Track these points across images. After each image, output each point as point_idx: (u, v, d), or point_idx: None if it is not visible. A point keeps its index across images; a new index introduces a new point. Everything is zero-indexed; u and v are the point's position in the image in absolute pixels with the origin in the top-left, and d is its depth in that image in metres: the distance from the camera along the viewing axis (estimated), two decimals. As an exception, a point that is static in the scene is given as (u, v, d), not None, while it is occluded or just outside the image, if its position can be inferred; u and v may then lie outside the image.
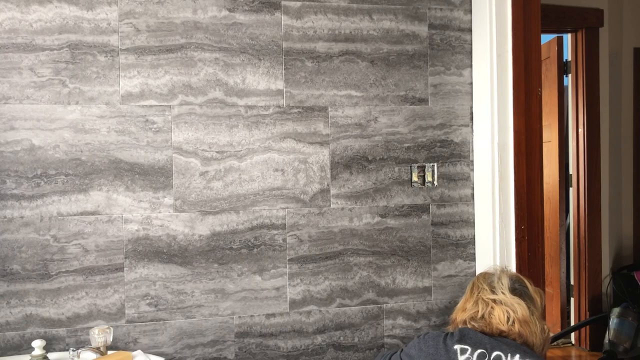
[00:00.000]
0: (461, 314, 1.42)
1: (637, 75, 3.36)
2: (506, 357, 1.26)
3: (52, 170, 1.81)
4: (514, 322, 1.32)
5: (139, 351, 1.74)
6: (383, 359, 1.49)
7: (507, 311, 1.33)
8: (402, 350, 1.44)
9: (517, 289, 1.39)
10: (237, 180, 1.94)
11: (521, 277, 1.46)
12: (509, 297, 1.36)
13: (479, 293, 1.41)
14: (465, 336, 1.33)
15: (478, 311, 1.37)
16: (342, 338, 2.03)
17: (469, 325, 1.38)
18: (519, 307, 1.34)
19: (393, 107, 2.06)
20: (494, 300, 1.36)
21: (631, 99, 3.37)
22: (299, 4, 1.98)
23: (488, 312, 1.35)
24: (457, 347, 1.32)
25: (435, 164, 2.10)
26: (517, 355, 1.26)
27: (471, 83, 2.12)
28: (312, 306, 2.00)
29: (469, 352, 1.30)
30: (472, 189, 2.13)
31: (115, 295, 1.85)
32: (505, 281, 1.40)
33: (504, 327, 1.32)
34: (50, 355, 1.70)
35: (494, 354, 1.27)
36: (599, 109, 3.29)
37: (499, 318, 1.33)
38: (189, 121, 1.90)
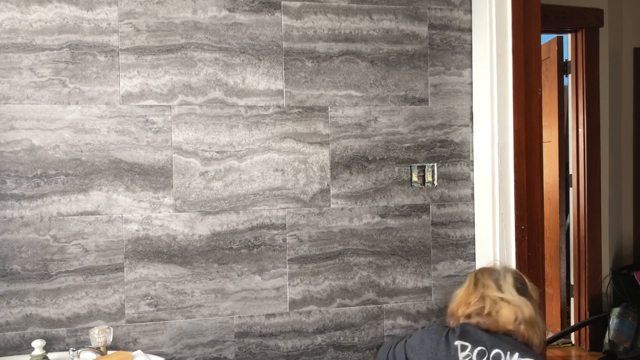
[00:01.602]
0: (464, 308, 1.41)
1: (637, 75, 3.36)
2: (505, 355, 1.26)
3: (52, 170, 1.81)
4: (520, 322, 1.32)
5: (139, 351, 1.75)
6: (388, 349, 1.48)
7: (515, 311, 1.33)
8: (405, 340, 1.44)
9: (519, 289, 1.39)
10: (237, 180, 1.94)
11: (521, 274, 1.46)
12: (516, 297, 1.36)
13: (484, 289, 1.40)
14: (466, 333, 1.33)
15: (484, 307, 1.36)
16: (342, 338, 2.03)
17: (472, 320, 1.37)
18: (527, 308, 1.33)
19: (393, 107, 2.06)
20: (502, 299, 1.36)
21: (631, 99, 3.37)
22: (299, 4, 1.98)
23: (496, 310, 1.35)
24: (458, 343, 1.32)
25: (435, 164, 2.10)
26: (517, 354, 1.26)
27: (471, 83, 2.12)
28: (312, 306, 2.00)
29: (468, 349, 1.30)
30: (472, 189, 2.13)
31: (115, 295, 1.85)
32: (510, 279, 1.40)
33: (511, 327, 1.32)
34: (50, 355, 1.70)
35: (494, 351, 1.28)
36: (599, 109, 3.28)
37: (507, 317, 1.33)
38: (189, 121, 1.90)
